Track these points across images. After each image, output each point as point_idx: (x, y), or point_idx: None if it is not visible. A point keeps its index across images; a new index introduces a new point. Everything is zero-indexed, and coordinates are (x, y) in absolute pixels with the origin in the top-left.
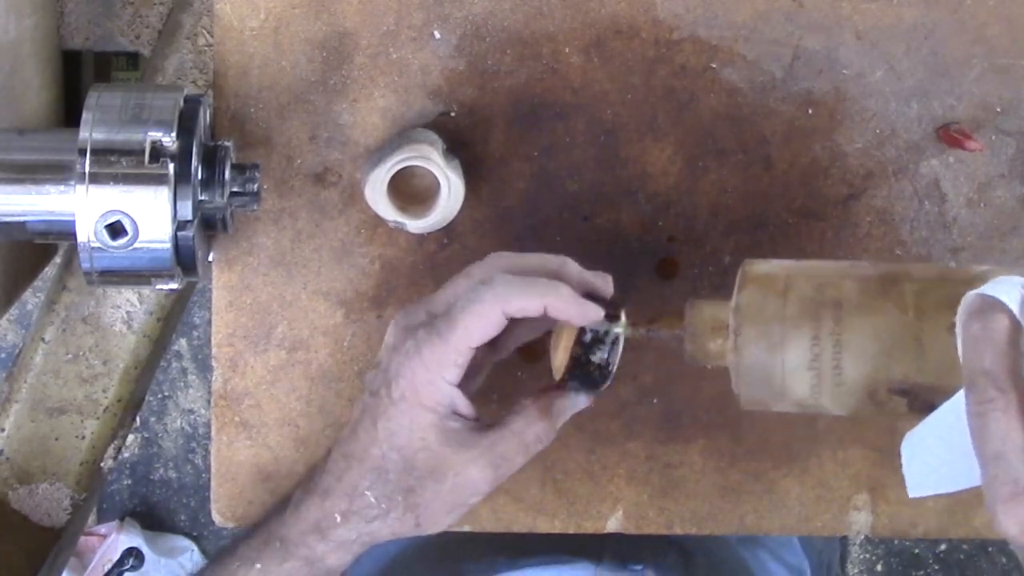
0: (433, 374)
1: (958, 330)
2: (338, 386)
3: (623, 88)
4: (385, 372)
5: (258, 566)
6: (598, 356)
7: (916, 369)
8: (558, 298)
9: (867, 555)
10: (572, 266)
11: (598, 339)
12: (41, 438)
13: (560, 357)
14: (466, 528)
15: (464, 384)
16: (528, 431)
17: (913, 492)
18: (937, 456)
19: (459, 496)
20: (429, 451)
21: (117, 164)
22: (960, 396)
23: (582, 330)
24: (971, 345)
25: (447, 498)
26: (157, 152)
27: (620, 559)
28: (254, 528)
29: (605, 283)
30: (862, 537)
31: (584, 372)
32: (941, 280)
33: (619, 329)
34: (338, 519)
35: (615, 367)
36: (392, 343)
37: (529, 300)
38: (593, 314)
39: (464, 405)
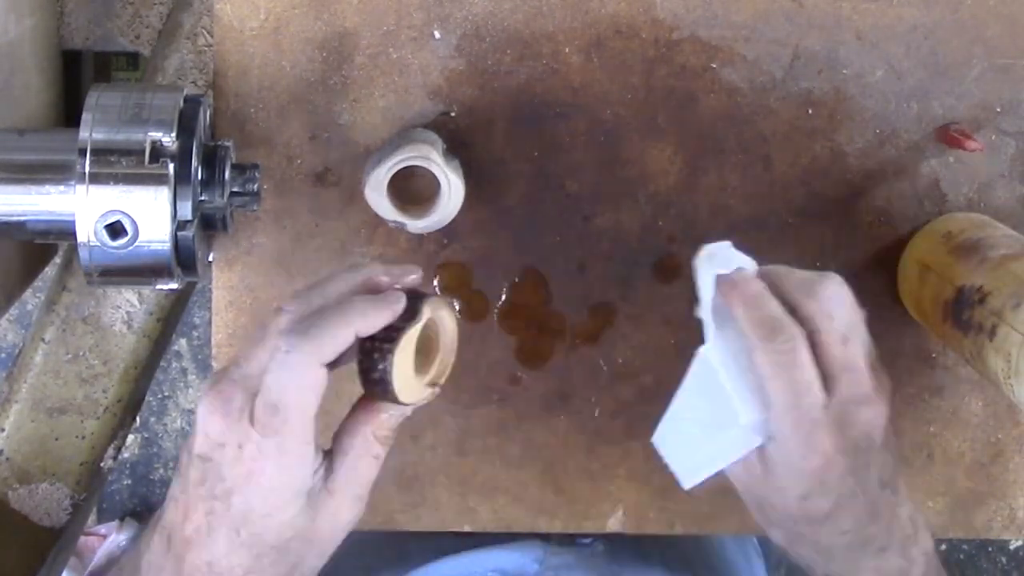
0: (288, 476)
1: (707, 301)
2: (337, 386)
3: (623, 88)
4: (221, 480)
5: None
6: (377, 367)
7: None
8: (360, 314)
9: None
10: (375, 268)
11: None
12: (41, 438)
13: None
14: (466, 528)
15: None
16: (359, 445)
17: (687, 483)
18: (695, 437)
19: (337, 536)
20: (299, 535)
21: (117, 164)
22: (700, 365)
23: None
24: (744, 305)
25: (327, 545)
26: (157, 152)
27: (569, 536)
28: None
29: (410, 275)
30: None
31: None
32: None
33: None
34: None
35: (390, 371)
36: (218, 436)
37: (336, 335)
38: (397, 307)
39: (318, 462)
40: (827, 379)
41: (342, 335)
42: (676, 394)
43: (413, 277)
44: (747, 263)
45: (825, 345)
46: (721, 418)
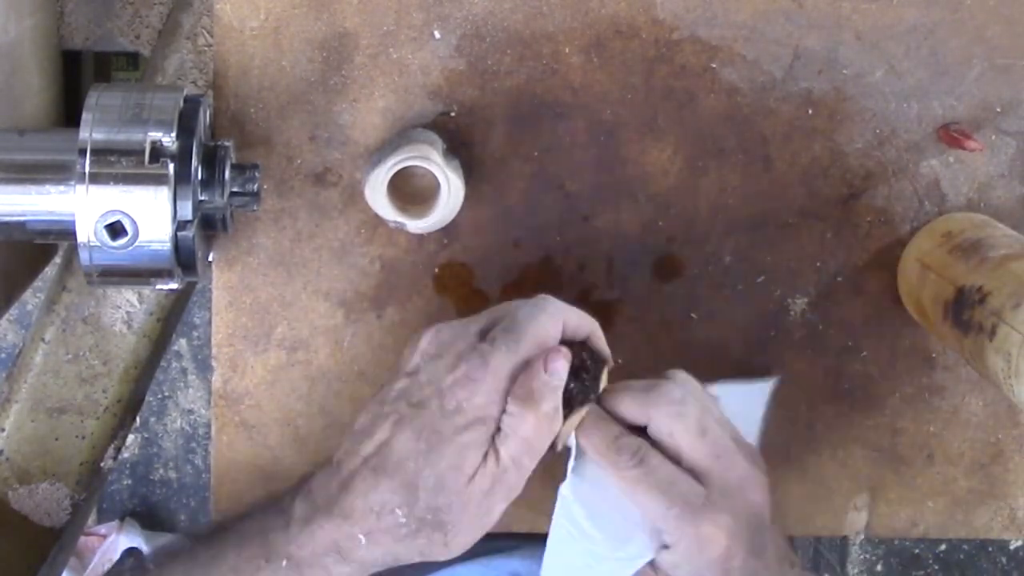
0: (498, 384)
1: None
2: (338, 386)
3: (623, 88)
4: (434, 384)
5: None
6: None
7: None
8: (599, 330)
9: (867, 555)
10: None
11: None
12: (41, 438)
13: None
14: None
15: None
16: (522, 427)
17: None
18: (580, 569)
19: (483, 512)
20: (459, 470)
21: (117, 164)
22: (561, 514)
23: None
24: (583, 437)
25: (474, 513)
26: (157, 152)
27: None
28: (240, 533)
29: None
30: (862, 537)
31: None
32: None
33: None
34: (362, 540)
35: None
36: (437, 353)
37: (582, 320)
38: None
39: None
40: (699, 474)
41: (585, 325)
42: (549, 536)
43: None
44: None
45: (685, 444)
46: (598, 550)
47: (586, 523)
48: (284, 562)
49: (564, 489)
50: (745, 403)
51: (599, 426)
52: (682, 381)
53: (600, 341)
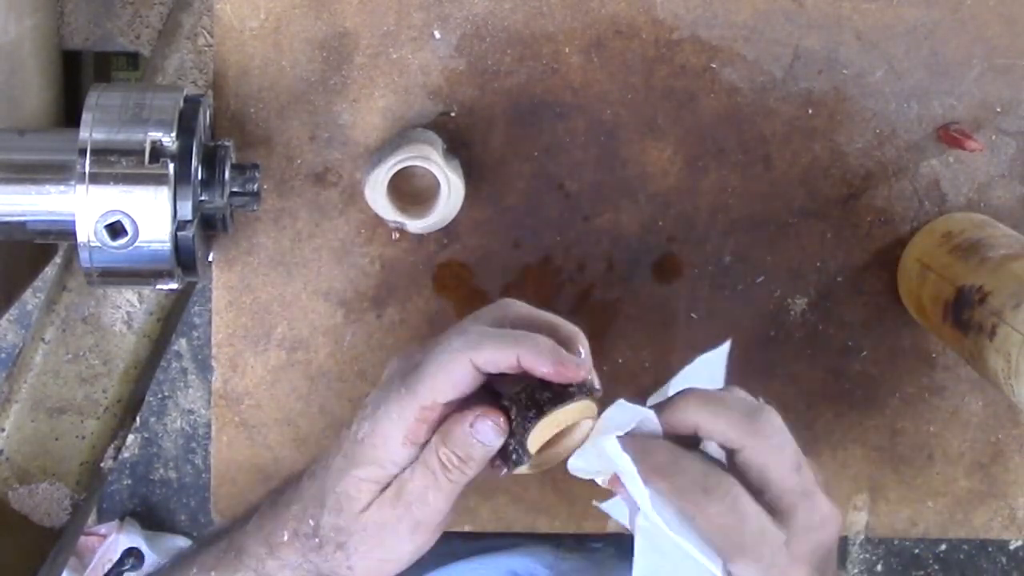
0: (393, 428)
1: (622, 468)
2: (338, 386)
3: (623, 88)
4: (363, 410)
5: (212, 574)
6: (522, 418)
7: None
8: (533, 349)
9: (867, 555)
10: (582, 339)
11: (532, 394)
12: (41, 438)
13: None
14: (467, 528)
15: None
16: (431, 460)
17: None
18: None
19: (385, 542)
20: (355, 500)
21: (117, 164)
22: (642, 535)
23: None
24: (660, 477)
25: (373, 543)
26: (157, 152)
27: (579, 540)
28: (219, 534)
29: (588, 371)
30: (862, 537)
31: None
32: None
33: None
34: (285, 537)
35: (525, 451)
36: (383, 383)
37: (501, 350)
38: (571, 373)
39: (415, 459)
40: (779, 512)
41: (504, 355)
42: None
43: (575, 372)
44: (646, 416)
45: (776, 478)
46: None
47: (680, 540)
48: (233, 553)
49: (640, 521)
50: (705, 374)
51: (682, 466)
52: (775, 412)
53: (539, 361)
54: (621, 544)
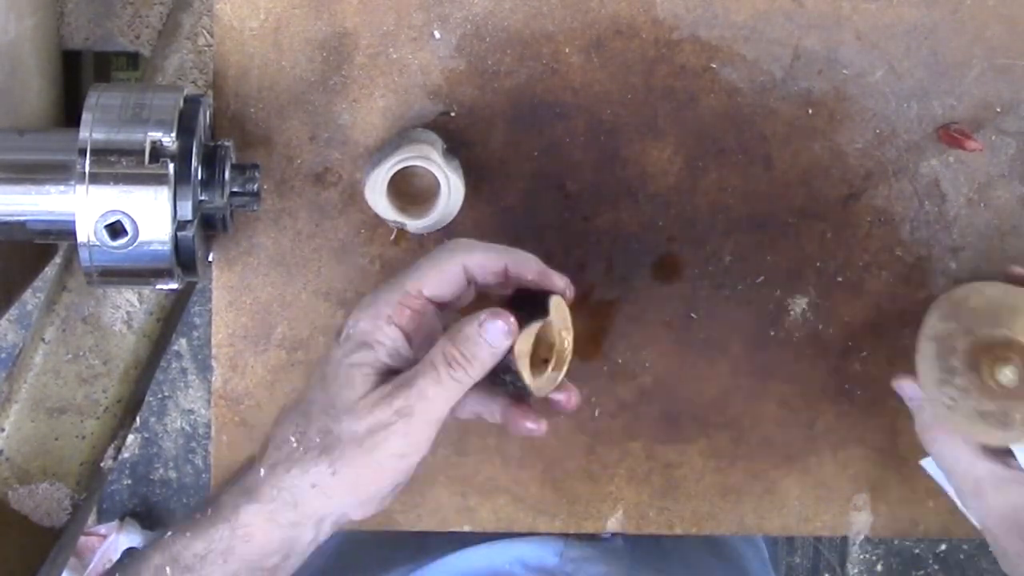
0: (380, 311)
1: None
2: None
3: (623, 88)
4: (341, 325)
5: (188, 534)
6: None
7: None
8: (517, 255)
9: (867, 555)
10: (529, 255)
11: (525, 301)
12: (41, 438)
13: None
14: (466, 528)
15: (418, 352)
16: (436, 357)
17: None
18: None
19: (376, 439)
20: (351, 388)
21: (117, 164)
22: None
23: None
24: None
25: (364, 441)
26: (157, 152)
27: (588, 534)
28: (203, 502)
29: (564, 284)
30: (862, 537)
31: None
32: None
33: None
34: (262, 473)
35: (568, 338)
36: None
37: (489, 256)
38: (555, 280)
39: (404, 348)
40: None
41: (493, 260)
42: None
43: (558, 281)
44: None
45: None
46: None
47: None
48: (209, 510)
49: None
50: None
51: None
52: None
53: (526, 268)
54: (630, 537)
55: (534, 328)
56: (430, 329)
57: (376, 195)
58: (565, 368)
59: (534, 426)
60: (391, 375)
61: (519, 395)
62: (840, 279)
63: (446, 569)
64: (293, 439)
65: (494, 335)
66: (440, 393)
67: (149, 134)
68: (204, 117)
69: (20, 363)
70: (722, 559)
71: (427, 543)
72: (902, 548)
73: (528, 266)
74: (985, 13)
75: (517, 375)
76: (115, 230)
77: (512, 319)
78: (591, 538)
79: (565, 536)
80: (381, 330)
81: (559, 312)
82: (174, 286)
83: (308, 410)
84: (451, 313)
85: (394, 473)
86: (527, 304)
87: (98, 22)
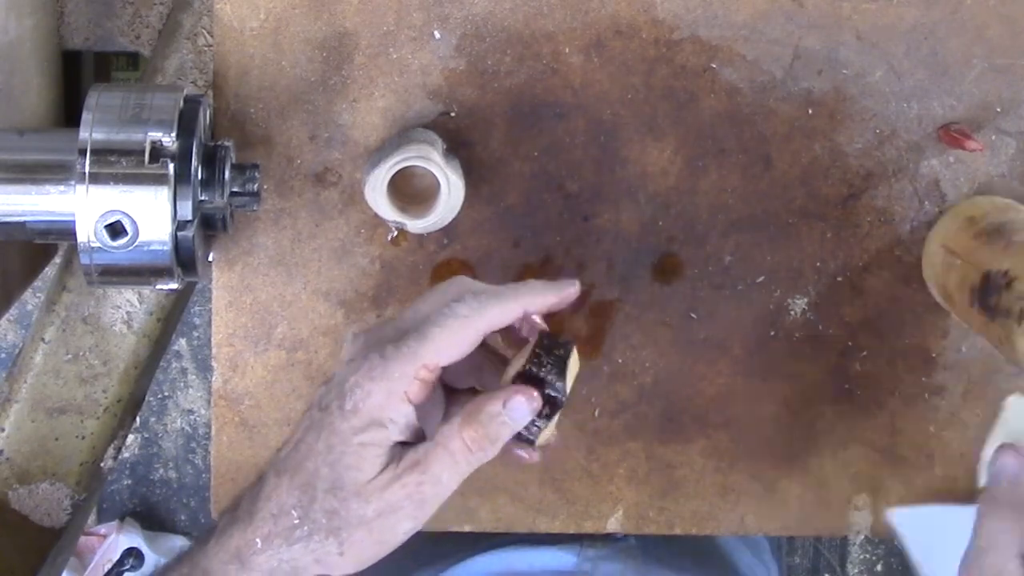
0: (395, 386)
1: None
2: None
3: (623, 88)
4: (340, 386)
5: None
6: (548, 365)
7: None
8: (531, 292)
9: (867, 555)
10: (536, 281)
11: (549, 353)
12: (41, 438)
13: (507, 376)
14: (466, 528)
15: (422, 416)
16: (453, 440)
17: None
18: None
19: (385, 522)
20: (359, 471)
21: (117, 164)
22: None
23: (536, 344)
24: None
25: (372, 524)
26: (157, 152)
27: (602, 536)
28: (178, 557)
29: (573, 290)
30: (862, 537)
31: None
32: None
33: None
34: (259, 544)
35: (568, 384)
36: (350, 358)
37: (504, 306)
38: (573, 291)
39: (415, 421)
40: None
41: (511, 309)
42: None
43: (572, 290)
44: None
45: None
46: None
47: None
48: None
49: None
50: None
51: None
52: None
53: (543, 298)
54: (643, 537)
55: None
56: (431, 389)
57: (376, 195)
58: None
59: (526, 455)
60: (398, 447)
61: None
62: (840, 279)
63: (466, 572)
64: (295, 513)
65: (519, 414)
66: (454, 476)
67: (149, 134)
68: (204, 117)
69: (20, 363)
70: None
71: (443, 550)
72: (902, 548)
73: (547, 296)
74: (985, 13)
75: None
76: (115, 230)
77: (536, 394)
78: (605, 538)
79: (580, 540)
80: (396, 408)
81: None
82: (174, 286)
83: (312, 483)
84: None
85: (403, 538)
86: (545, 352)
87: (98, 22)
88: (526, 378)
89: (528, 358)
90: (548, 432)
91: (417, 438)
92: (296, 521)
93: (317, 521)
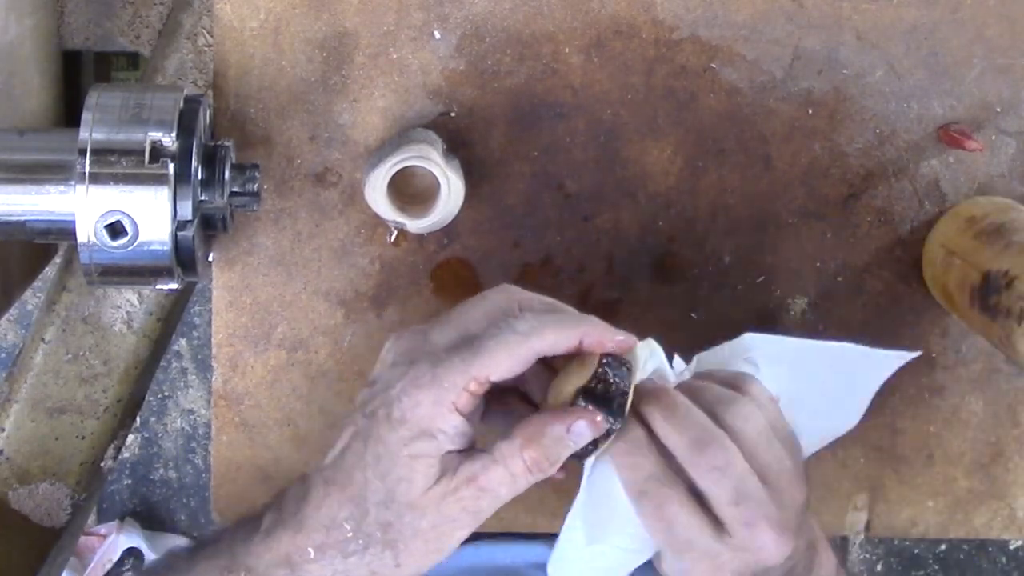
0: (444, 396)
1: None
2: (338, 386)
3: (623, 88)
4: (385, 392)
5: None
6: (614, 386)
7: None
8: (593, 327)
9: (867, 555)
10: (597, 320)
11: (608, 379)
12: (41, 438)
13: (566, 390)
14: None
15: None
16: (514, 461)
17: None
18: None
19: (441, 533)
20: (410, 483)
21: (117, 164)
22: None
23: (597, 372)
24: (624, 464)
25: (428, 536)
26: (157, 152)
27: None
28: (215, 545)
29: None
30: (862, 537)
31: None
32: None
33: (635, 358)
34: (311, 553)
35: (628, 400)
36: (394, 361)
37: (564, 333)
38: (631, 341)
39: (467, 431)
40: (721, 527)
41: (568, 337)
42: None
43: (631, 342)
44: (669, 372)
45: (717, 507)
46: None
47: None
48: (242, 574)
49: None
50: (867, 368)
51: (632, 464)
52: (737, 425)
53: (601, 336)
54: None
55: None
56: (480, 400)
57: (376, 195)
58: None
59: (559, 474)
60: (451, 455)
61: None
62: (840, 279)
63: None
64: (347, 527)
65: (582, 439)
66: (512, 491)
67: (149, 134)
68: (204, 117)
69: (20, 363)
70: None
71: None
72: (902, 548)
73: (607, 337)
74: (985, 13)
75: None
76: (115, 230)
77: (600, 419)
78: None
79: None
80: (445, 419)
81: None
82: (174, 286)
83: (363, 496)
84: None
85: (456, 546)
86: (612, 369)
87: (98, 22)
88: (587, 395)
89: (593, 376)
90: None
91: (468, 445)
92: (350, 535)
93: (371, 535)
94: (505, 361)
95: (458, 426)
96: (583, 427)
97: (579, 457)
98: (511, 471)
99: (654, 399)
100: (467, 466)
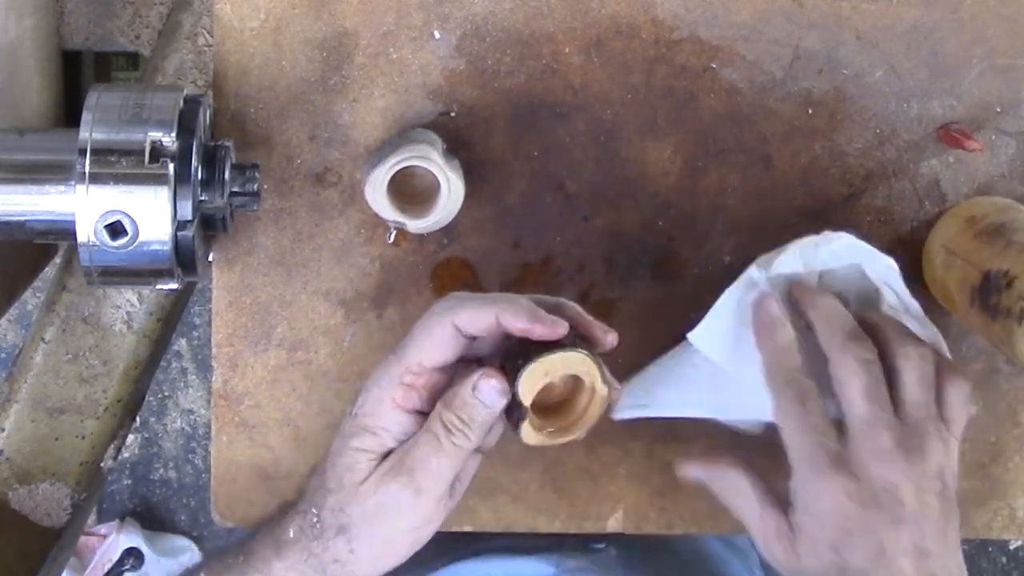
0: (383, 393)
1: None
2: (338, 386)
3: (623, 88)
4: (358, 392)
5: None
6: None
7: None
8: (510, 307)
9: None
10: (570, 305)
11: (522, 354)
12: (41, 438)
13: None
14: (467, 528)
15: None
16: (434, 423)
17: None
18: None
19: (387, 516)
20: (353, 471)
21: (117, 164)
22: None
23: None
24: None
25: (375, 519)
26: (157, 152)
27: (582, 542)
28: (234, 546)
29: (605, 334)
30: None
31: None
32: None
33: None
34: (291, 533)
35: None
36: (371, 380)
37: (479, 311)
38: (547, 329)
39: (413, 428)
40: (844, 424)
41: (483, 315)
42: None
43: (557, 330)
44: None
45: (847, 401)
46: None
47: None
48: (241, 558)
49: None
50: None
51: (780, 360)
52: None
53: (516, 318)
54: (622, 544)
55: (544, 369)
56: (427, 394)
57: (376, 195)
58: (568, 436)
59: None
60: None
61: (512, 419)
62: None
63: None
64: (314, 511)
65: (489, 396)
66: (443, 461)
67: (149, 134)
68: (204, 117)
69: (20, 363)
70: (702, 566)
71: (419, 555)
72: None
73: (519, 317)
74: (985, 13)
75: (519, 406)
76: (115, 230)
77: (502, 377)
78: (584, 548)
79: (559, 548)
80: (386, 416)
81: (581, 367)
82: (174, 286)
83: (325, 483)
84: (491, 359)
85: (410, 544)
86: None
87: (98, 22)
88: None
89: (510, 358)
90: (537, 433)
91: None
92: (314, 519)
93: (327, 519)
94: (427, 341)
95: (401, 422)
96: (488, 385)
97: (512, 420)
98: (434, 433)
99: (810, 295)
100: (400, 448)
